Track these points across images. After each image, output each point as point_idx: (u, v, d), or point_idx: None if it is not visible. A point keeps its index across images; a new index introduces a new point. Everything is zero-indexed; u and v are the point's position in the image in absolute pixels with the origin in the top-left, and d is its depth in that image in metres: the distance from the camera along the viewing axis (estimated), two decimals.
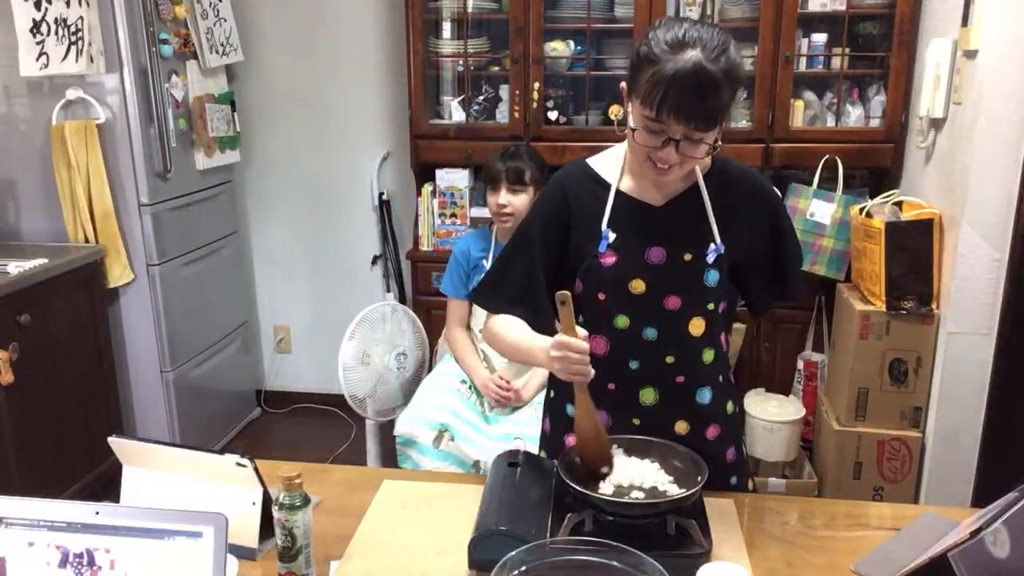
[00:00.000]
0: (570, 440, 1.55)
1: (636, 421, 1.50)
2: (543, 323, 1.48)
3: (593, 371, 1.34)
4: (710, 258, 1.45)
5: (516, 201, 2.52)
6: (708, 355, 1.52)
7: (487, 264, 2.60)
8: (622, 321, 1.47)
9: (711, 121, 1.31)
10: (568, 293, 1.30)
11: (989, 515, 1.16)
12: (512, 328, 1.49)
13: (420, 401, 2.56)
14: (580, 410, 1.39)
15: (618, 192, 1.48)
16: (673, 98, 1.28)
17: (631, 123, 1.37)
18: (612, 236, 1.45)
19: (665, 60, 1.28)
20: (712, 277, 1.45)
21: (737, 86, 1.32)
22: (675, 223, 1.47)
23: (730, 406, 1.59)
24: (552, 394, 1.65)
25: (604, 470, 1.39)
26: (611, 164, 1.51)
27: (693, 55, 1.27)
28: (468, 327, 2.69)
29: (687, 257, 1.45)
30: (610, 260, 1.45)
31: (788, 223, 1.56)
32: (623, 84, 1.40)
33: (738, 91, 1.35)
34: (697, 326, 1.48)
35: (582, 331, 1.33)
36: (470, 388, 2.57)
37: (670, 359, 1.48)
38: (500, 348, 1.55)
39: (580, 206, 1.48)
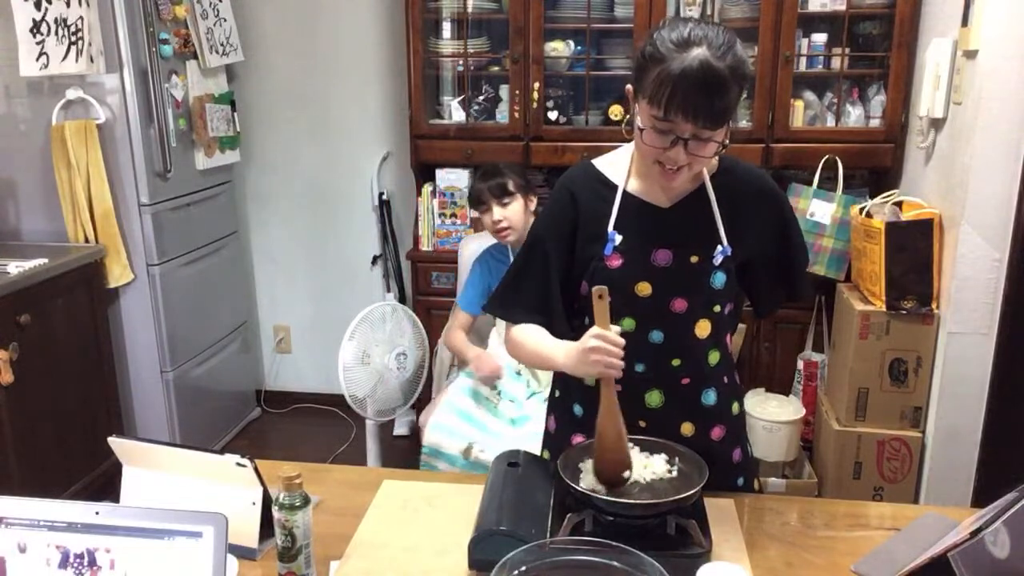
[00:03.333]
0: (577, 440, 1.55)
1: (642, 423, 1.50)
2: (559, 329, 1.49)
3: (623, 365, 1.34)
4: (717, 260, 1.45)
5: (509, 213, 2.51)
6: (713, 357, 1.52)
7: None
8: (628, 324, 1.46)
9: (719, 119, 1.30)
10: (606, 288, 1.32)
11: (989, 515, 1.17)
12: (532, 335, 1.49)
13: (447, 408, 2.52)
14: (605, 408, 1.37)
15: (625, 193, 1.47)
16: (681, 96, 1.27)
17: (639, 124, 1.37)
18: (618, 239, 1.45)
19: (671, 59, 1.27)
20: (719, 279, 1.45)
21: (744, 83, 1.31)
22: (682, 225, 1.46)
23: (735, 407, 1.59)
24: (557, 393, 1.65)
25: (626, 475, 1.38)
26: (617, 165, 1.50)
27: (699, 53, 1.27)
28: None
29: (694, 259, 1.44)
30: (616, 263, 1.45)
31: (795, 224, 1.55)
32: (628, 86, 1.39)
33: (745, 88, 1.34)
34: (703, 328, 1.47)
35: (615, 327, 1.35)
36: (498, 393, 2.55)
37: (676, 362, 1.48)
38: (521, 356, 1.55)
39: (587, 208, 1.48)
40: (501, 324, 2.51)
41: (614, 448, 1.38)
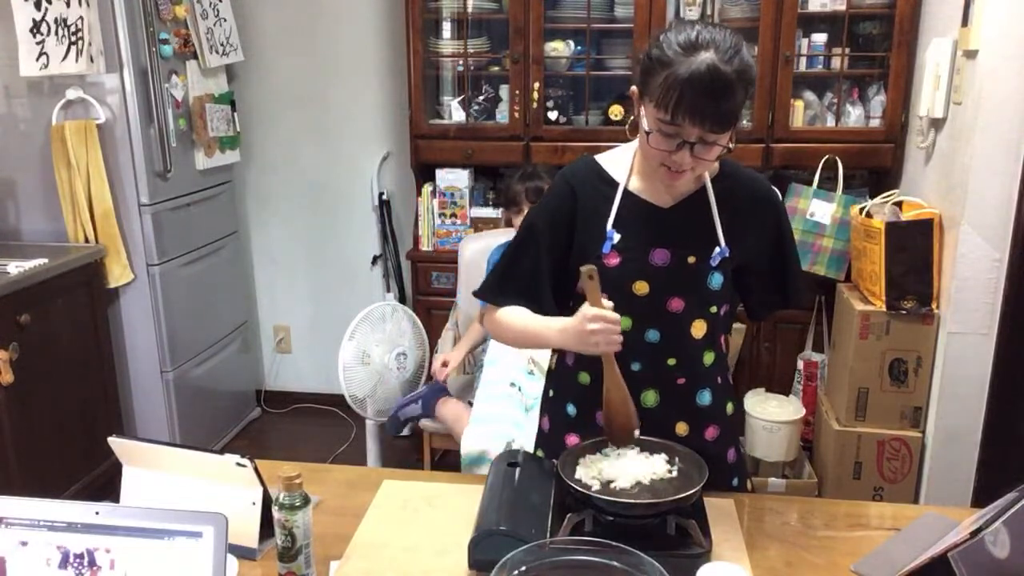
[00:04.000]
0: (571, 440, 1.55)
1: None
2: (546, 316, 1.48)
3: (622, 339, 1.36)
4: (714, 261, 1.45)
5: None
6: (708, 357, 1.52)
7: None
8: (625, 323, 1.45)
9: (726, 123, 1.30)
10: (594, 267, 1.33)
11: (989, 515, 1.17)
12: (518, 315, 1.50)
13: (481, 417, 2.51)
14: (610, 379, 1.40)
15: (626, 192, 1.47)
16: (688, 100, 1.27)
17: (644, 126, 1.36)
18: (617, 237, 1.45)
19: (678, 62, 1.27)
20: (716, 280, 1.45)
21: (750, 87, 1.32)
22: (681, 225, 1.46)
23: (730, 407, 1.59)
24: (551, 393, 1.65)
25: (636, 433, 1.42)
26: (620, 163, 1.50)
27: (707, 57, 1.26)
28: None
29: (691, 260, 1.45)
30: (614, 261, 1.45)
31: (790, 232, 1.56)
32: (633, 88, 1.39)
33: (751, 92, 1.34)
34: (699, 328, 1.48)
35: (608, 302, 1.36)
36: (520, 391, 2.56)
37: (671, 361, 1.48)
38: (505, 336, 1.55)
39: (587, 203, 1.48)
40: None
41: (621, 410, 1.42)
